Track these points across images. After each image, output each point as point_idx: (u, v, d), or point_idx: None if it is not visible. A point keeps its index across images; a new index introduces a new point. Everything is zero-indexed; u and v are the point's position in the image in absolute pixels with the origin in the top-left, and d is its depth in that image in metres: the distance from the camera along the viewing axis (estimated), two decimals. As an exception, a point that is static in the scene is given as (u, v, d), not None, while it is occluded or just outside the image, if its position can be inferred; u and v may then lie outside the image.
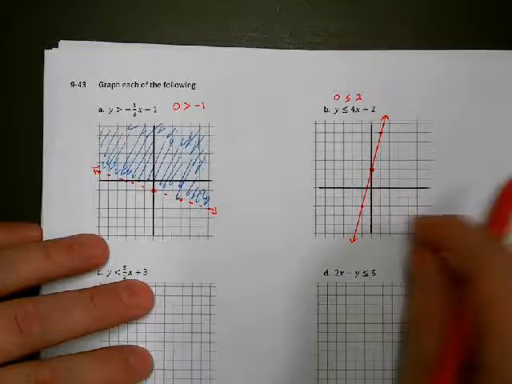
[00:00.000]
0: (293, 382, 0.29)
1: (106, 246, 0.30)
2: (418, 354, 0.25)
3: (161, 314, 0.30)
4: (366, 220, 0.30)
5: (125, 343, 0.30)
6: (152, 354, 0.30)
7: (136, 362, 0.29)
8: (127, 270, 0.30)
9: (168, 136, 0.30)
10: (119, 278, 0.30)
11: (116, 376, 0.27)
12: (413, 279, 0.28)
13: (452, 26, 0.31)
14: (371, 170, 0.30)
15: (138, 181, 0.30)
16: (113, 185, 0.30)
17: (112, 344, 0.30)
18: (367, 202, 0.30)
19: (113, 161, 0.30)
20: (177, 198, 0.30)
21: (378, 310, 0.30)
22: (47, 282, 0.29)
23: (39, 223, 0.30)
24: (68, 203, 0.30)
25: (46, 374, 0.26)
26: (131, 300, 0.29)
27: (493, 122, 0.30)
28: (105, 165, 0.30)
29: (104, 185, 0.30)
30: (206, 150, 0.30)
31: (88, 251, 0.29)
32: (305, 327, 0.30)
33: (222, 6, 0.31)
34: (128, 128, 0.30)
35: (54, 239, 0.29)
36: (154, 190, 0.30)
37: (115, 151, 0.30)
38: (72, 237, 0.29)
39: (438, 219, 0.27)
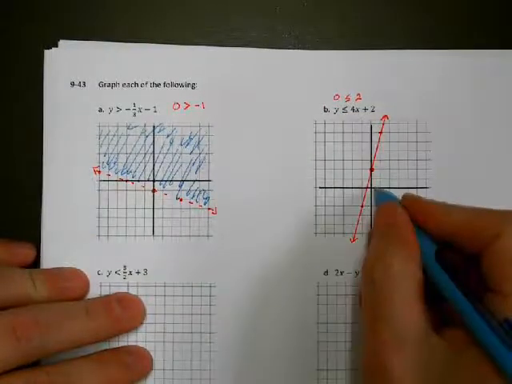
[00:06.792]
0: (293, 381, 0.29)
1: (86, 279, 0.30)
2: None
3: (161, 314, 0.30)
4: (366, 220, 0.30)
5: (125, 343, 0.30)
6: (152, 354, 0.30)
7: (133, 361, 0.29)
8: (127, 270, 0.30)
9: (168, 136, 0.30)
10: (119, 278, 0.30)
11: (115, 377, 0.27)
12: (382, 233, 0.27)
13: (452, 26, 0.31)
14: (371, 170, 0.30)
15: (138, 181, 0.30)
16: (113, 185, 0.30)
17: (112, 345, 0.29)
18: (367, 202, 0.30)
19: (113, 161, 0.30)
20: (177, 198, 0.30)
21: (378, 310, 0.30)
22: None
23: (39, 223, 0.30)
24: (68, 203, 0.30)
25: (44, 380, 0.25)
26: (124, 313, 0.29)
27: (492, 122, 0.30)
28: (105, 165, 0.30)
29: (104, 185, 0.30)
30: (205, 150, 0.30)
31: (65, 284, 0.29)
32: (305, 327, 0.30)
33: (221, 6, 0.31)
34: (128, 128, 0.30)
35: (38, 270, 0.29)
36: (154, 190, 0.30)
37: (115, 151, 0.30)
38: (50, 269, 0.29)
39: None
